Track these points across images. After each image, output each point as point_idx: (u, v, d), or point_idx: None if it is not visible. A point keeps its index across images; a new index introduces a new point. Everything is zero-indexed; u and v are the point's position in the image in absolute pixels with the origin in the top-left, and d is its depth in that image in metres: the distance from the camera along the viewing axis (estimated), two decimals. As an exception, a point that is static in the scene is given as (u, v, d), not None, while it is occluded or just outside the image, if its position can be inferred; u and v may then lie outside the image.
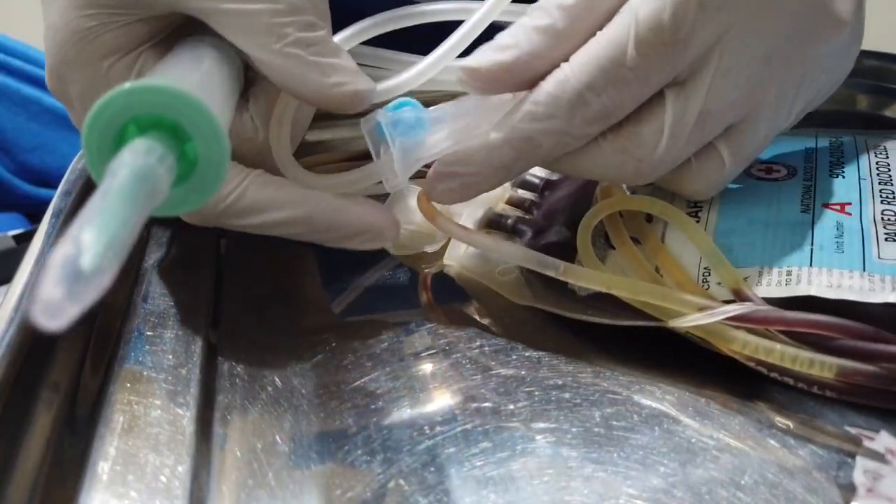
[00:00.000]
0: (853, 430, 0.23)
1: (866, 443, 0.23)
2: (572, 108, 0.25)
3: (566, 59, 0.26)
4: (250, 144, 0.30)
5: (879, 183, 0.30)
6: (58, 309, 0.14)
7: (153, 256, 0.34)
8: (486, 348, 0.28)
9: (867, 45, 0.47)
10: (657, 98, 0.26)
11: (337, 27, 0.29)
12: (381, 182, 0.29)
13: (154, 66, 0.27)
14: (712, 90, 0.26)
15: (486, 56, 0.26)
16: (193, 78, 0.24)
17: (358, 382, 0.26)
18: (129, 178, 0.18)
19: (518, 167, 0.27)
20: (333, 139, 0.43)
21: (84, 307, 0.15)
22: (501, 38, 0.27)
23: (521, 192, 0.36)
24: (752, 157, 0.29)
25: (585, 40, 0.26)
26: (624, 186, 0.32)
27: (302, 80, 0.27)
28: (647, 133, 0.26)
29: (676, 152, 0.26)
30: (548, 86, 0.26)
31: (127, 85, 0.20)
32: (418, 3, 0.30)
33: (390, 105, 0.28)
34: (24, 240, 0.61)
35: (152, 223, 0.37)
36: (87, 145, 0.21)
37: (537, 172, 0.37)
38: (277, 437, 0.24)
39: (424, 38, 0.29)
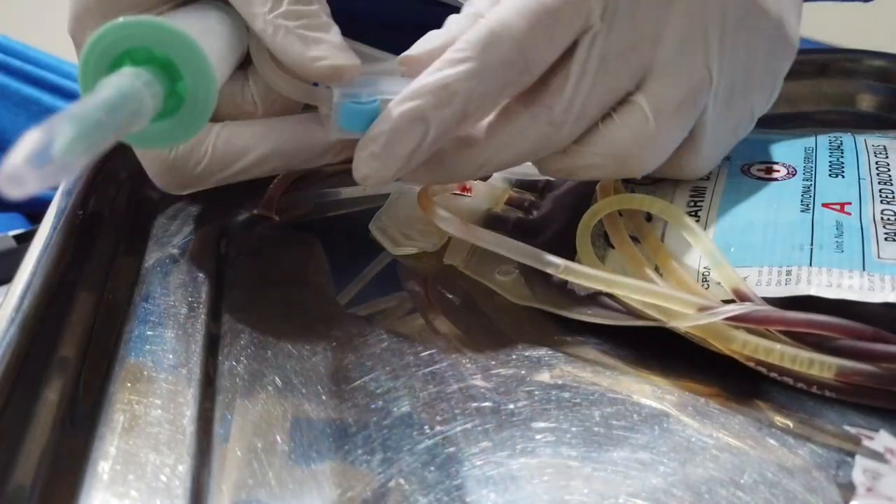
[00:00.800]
0: (852, 430, 0.23)
1: (866, 442, 0.23)
2: (485, 48, 0.26)
3: None
4: (250, 119, 0.31)
5: (879, 183, 0.30)
6: (20, 180, 0.16)
7: (153, 256, 0.34)
8: (486, 348, 0.28)
9: (873, 45, 0.48)
10: (563, 57, 0.27)
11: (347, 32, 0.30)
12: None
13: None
14: (611, 30, 0.26)
15: (419, 44, 0.28)
16: (193, 27, 0.25)
17: (358, 382, 0.26)
18: (112, 91, 0.19)
19: (436, 118, 0.26)
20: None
21: (43, 186, 0.16)
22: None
23: (521, 193, 0.36)
24: (677, 112, 0.28)
25: None
26: (621, 183, 0.32)
27: (285, 50, 0.28)
28: (553, 81, 0.27)
29: (584, 95, 0.27)
30: (466, 33, 0.27)
31: (122, 18, 0.21)
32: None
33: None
34: (24, 240, 0.61)
35: (152, 223, 0.37)
36: (82, 73, 0.22)
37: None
38: (277, 437, 0.24)
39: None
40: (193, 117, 0.23)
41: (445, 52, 0.27)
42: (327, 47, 0.28)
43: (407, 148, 0.27)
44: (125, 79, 0.20)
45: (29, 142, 0.16)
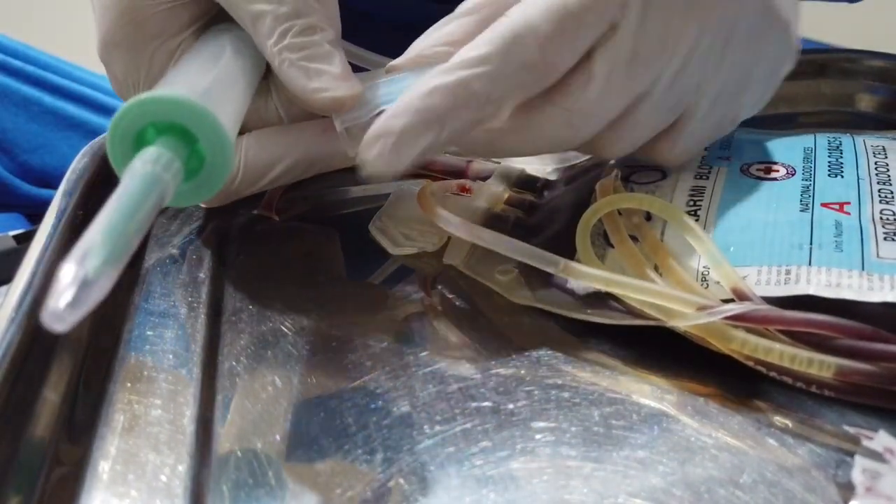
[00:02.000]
0: (852, 430, 0.23)
1: (865, 442, 0.23)
2: (507, 49, 0.25)
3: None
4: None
5: (878, 183, 0.30)
6: (64, 316, 0.17)
7: (153, 256, 0.34)
8: (486, 348, 0.28)
9: (873, 45, 0.48)
10: (585, 57, 0.27)
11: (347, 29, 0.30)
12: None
13: (181, 58, 0.30)
14: (639, 34, 0.26)
15: (407, 53, 0.28)
16: (207, 78, 0.27)
17: (358, 382, 0.26)
18: (137, 188, 0.21)
19: (452, 121, 0.26)
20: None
21: (88, 310, 0.17)
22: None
23: (521, 193, 0.36)
24: (666, 114, 0.29)
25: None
26: (623, 186, 0.32)
27: (288, 81, 0.28)
28: (575, 82, 0.26)
29: (607, 100, 0.27)
30: (486, 32, 0.26)
31: (143, 96, 0.23)
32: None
33: None
34: (24, 240, 0.61)
35: (154, 221, 0.37)
36: (110, 148, 0.24)
37: (536, 172, 0.37)
38: (277, 437, 0.24)
39: None
40: (213, 178, 0.25)
41: (461, 49, 0.26)
42: (328, 79, 0.28)
43: (418, 149, 0.26)
44: (146, 167, 0.21)
45: (64, 274, 0.17)
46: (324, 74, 0.28)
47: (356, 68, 0.30)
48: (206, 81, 0.26)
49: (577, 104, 0.27)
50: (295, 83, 0.28)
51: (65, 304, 0.17)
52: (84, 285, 0.17)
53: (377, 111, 0.28)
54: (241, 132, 0.31)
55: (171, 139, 0.23)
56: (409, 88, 0.26)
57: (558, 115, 0.27)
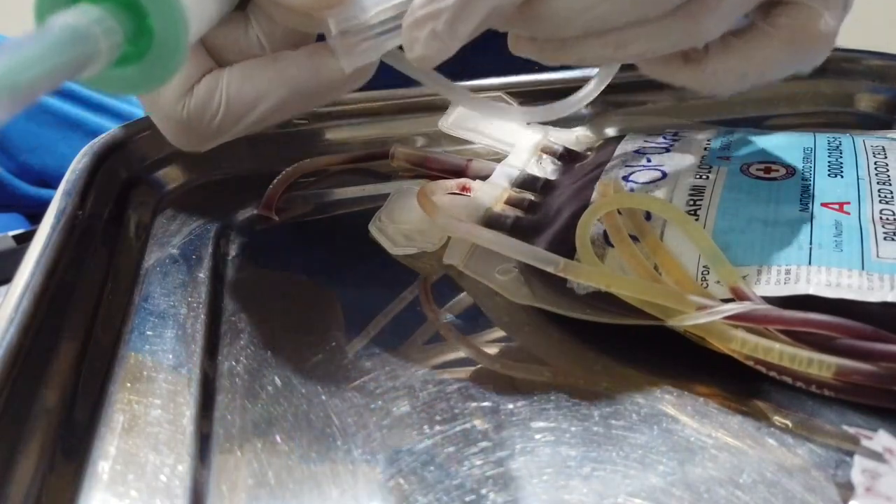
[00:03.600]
0: (851, 430, 0.23)
1: (864, 442, 0.23)
2: None
3: None
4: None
5: (878, 183, 0.30)
6: None
7: (153, 256, 0.34)
8: (486, 348, 0.28)
9: (873, 45, 0.48)
10: None
11: None
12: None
13: None
14: None
15: None
16: None
17: (358, 382, 0.26)
18: (58, 31, 0.18)
19: None
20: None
21: None
22: None
23: (521, 192, 0.36)
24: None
25: None
26: (623, 186, 0.32)
27: None
28: None
29: None
30: None
31: None
32: None
33: None
34: (24, 240, 0.61)
35: (152, 223, 0.37)
36: (36, 5, 0.20)
37: (536, 172, 0.37)
38: (277, 437, 0.24)
39: None
40: (166, 58, 0.21)
41: None
42: None
43: (473, 25, 0.24)
44: (70, 17, 0.18)
45: None
46: None
47: None
48: None
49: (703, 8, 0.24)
50: None
51: None
52: None
53: (377, 10, 0.26)
54: (221, 65, 0.29)
55: (111, 6, 0.20)
56: None
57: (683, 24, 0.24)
